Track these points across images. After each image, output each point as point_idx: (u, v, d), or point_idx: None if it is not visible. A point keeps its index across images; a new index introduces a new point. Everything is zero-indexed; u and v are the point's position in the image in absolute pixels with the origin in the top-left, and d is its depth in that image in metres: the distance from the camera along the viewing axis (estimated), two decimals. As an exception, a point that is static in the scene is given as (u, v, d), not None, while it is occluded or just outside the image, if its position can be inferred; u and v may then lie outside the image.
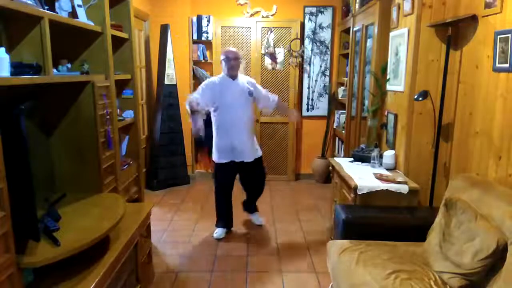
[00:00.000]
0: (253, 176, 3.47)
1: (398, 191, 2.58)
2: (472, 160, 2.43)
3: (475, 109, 2.41)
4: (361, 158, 3.18)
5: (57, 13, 2.15)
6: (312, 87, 5.12)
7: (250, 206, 3.69)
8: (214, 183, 3.48)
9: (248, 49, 4.88)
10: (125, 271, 2.20)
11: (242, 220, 3.78)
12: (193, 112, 3.06)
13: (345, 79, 4.62)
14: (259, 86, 3.42)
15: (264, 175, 3.56)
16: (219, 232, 3.42)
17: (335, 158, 3.45)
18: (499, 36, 2.11)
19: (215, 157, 3.36)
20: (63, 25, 2.12)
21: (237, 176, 3.49)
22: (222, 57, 3.23)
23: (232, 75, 3.21)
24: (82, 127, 2.37)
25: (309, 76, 5.09)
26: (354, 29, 4.14)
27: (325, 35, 4.99)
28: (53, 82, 2.02)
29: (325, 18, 4.95)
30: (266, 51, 4.83)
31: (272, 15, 4.91)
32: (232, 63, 3.17)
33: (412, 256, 2.07)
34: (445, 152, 2.76)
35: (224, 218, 3.47)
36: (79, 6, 2.36)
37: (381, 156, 3.06)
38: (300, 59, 4.94)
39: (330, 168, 3.43)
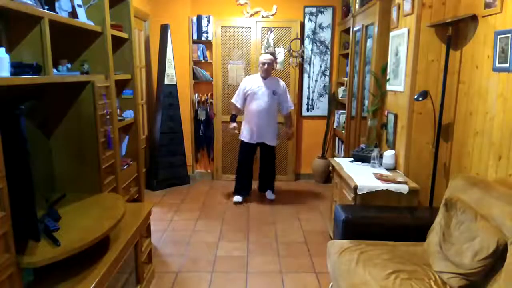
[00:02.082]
0: (264, 157, 4.28)
1: (398, 191, 2.58)
2: (472, 160, 2.43)
3: (475, 109, 2.41)
4: (361, 158, 3.18)
5: (57, 13, 2.15)
6: (312, 87, 5.12)
7: (264, 188, 4.45)
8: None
9: (248, 49, 4.87)
10: (125, 271, 2.20)
11: (242, 220, 3.79)
12: (233, 115, 4.19)
13: (345, 79, 4.62)
14: (287, 92, 4.23)
15: (273, 161, 4.33)
16: (236, 198, 4.27)
17: (335, 158, 3.45)
18: (499, 36, 2.11)
19: (241, 135, 4.22)
20: (63, 25, 2.11)
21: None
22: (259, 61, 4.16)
23: (263, 76, 4.06)
24: (82, 127, 2.37)
25: (309, 76, 5.09)
26: (354, 29, 4.14)
27: (325, 35, 4.99)
28: (53, 82, 2.02)
29: (325, 18, 4.95)
30: (266, 51, 4.82)
31: (272, 15, 4.91)
32: (263, 67, 4.01)
33: (412, 256, 2.07)
34: (445, 152, 2.76)
35: (239, 191, 4.29)
36: (79, 6, 2.36)
37: (381, 156, 3.06)
38: (300, 59, 4.94)
39: (330, 168, 3.44)
